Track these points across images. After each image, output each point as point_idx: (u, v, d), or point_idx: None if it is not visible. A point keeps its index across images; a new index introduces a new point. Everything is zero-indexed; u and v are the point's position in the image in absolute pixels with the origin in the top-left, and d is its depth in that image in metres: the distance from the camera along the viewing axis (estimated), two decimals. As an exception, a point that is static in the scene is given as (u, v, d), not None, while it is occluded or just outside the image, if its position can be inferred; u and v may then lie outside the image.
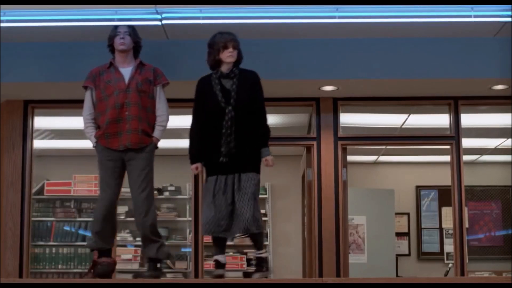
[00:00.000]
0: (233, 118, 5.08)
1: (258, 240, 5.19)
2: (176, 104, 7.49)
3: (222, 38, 5.20)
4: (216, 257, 5.23)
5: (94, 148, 5.49)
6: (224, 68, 5.23)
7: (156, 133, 5.51)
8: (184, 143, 7.93)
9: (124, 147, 5.35)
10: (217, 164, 5.11)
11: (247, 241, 9.59)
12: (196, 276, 7.21)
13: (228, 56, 5.18)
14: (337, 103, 7.34)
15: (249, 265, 9.48)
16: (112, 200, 5.39)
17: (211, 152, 5.15)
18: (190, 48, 6.67)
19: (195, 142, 5.31)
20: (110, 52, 5.64)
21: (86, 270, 8.00)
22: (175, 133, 9.03)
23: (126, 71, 5.49)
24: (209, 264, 9.12)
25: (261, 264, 5.17)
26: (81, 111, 7.66)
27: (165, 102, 5.59)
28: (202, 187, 7.34)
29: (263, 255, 5.20)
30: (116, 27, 5.62)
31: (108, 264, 5.43)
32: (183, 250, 9.24)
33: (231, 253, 9.35)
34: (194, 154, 5.30)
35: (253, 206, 5.03)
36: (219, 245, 5.23)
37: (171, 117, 8.60)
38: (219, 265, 5.21)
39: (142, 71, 5.52)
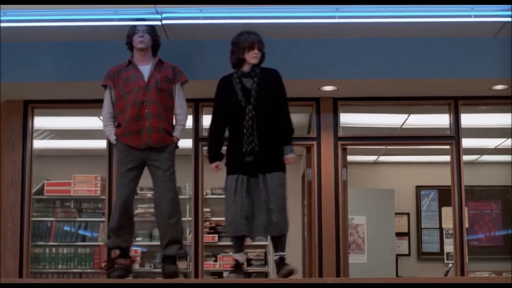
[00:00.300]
0: (253, 117, 5.06)
1: (281, 241, 5.17)
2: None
3: (249, 38, 5.17)
4: (235, 255, 5.23)
5: (114, 146, 5.50)
6: (246, 68, 5.22)
7: (176, 133, 5.50)
8: (184, 143, 7.96)
9: (146, 145, 5.33)
10: (240, 164, 5.09)
11: (247, 241, 9.63)
12: (196, 276, 7.21)
13: (253, 57, 5.17)
14: (337, 103, 7.34)
15: (249, 265, 9.48)
16: (129, 199, 5.41)
17: (233, 151, 5.14)
18: (190, 48, 6.67)
19: (214, 141, 5.31)
20: (128, 50, 5.61)
21: (88, 269, 8.02)
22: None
23: (145, 69, 5.47)
24: (209, 264, 9.15)
25: (283, 264, 5.13)
26: (81, 111, 7.73)
27: (184, 100, 5.58)
28: (202, 187, 7.37)
29: (284, 256, 5.17)
30: (135, 25, 5.60)
31: (126, 266, 5.46)
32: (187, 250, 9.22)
33: (231, 253, 9.34)
34: (214, 153, 5.30)
35: (281, 207, 5.02)
36: (239, 244, 5.22)
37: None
38: (238, 264, 5.20)
39: (161, 69, 5.50)
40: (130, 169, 5.37)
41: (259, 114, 5.08)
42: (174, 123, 5.54)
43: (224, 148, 5.36)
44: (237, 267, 5.20)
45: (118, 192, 5.42)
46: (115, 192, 5.47)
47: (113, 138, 5.47)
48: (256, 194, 5.05)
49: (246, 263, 9.35)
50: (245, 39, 5.18)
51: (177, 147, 5.52)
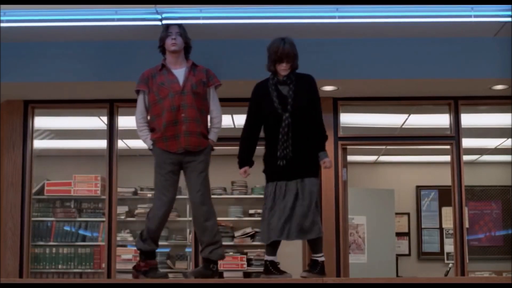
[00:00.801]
0: (290, 124, 5.06)
1: (317, 244, 5.18)
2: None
3: (277, 52, 5.12)
4: (266, 257, 5.21)
5: (150, 151, 5.47)
6: (281, 75, 5.18)
7: (212, 136, 5.47)
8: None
9: (183, 149, 5.31)
10: (275, 169, 5.09)
11: (247, 241, 9.64)
12: (196, 276, 7.18)
13: (282, 69, 5.14)
14: (337, 103, 7.34)
15: (249, 265, 9.48)
16: (170, 205, 5.40)
17: (270, 158, 5.15)
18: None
19: (245, 146, 5.29)
20: (160, 53, 5.57)
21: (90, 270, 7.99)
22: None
23: (179, 73, 5.43)
24: (209, 264, 9.12)
25: (316, 266, 5.15)
26: (81, 111, 7.74)
27: (219, 103, 5.55)
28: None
29: (320, 259, 5.17)
30: (167, 27, 5.55)
31: (157, 266, 5.47)
32: (187, 250, 9.20)
33: (231, 253, 9.34)
34: (244, 158, 5.28)
35: (314, 211, 5.03)
36: (273, 248, 5.22)
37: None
38: (271, 265, 5.19)
39: (196, 72, 5.46)
40: (169, 173, 5.36)
41: (295, 121, 5.08)
42: (208, 126, 5.51)
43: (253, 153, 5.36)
44: (267, 268, 5.21)
45: (160, 196, 5.37)
46: (155, 195, 5.41)
47: (149, 143, 5.44)
48: (291, 199, 5.05)
49: (246, 263, 9.37)
50: (275, 52, 5.13)
51: (213, 149, 5.49)
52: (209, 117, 5.50)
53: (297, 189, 5.05)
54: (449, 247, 10.10)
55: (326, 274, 5.18)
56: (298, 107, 5.09)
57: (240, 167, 5.28)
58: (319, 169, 5.21)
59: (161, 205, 5.36)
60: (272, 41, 5.22)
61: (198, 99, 5.36)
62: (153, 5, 5.95)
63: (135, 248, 9.01)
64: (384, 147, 9.34)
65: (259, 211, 9.82)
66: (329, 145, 7.24)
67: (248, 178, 10.03)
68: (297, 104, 5.09)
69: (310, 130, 5.14)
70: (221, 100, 7.04)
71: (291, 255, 9.48)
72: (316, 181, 5.13)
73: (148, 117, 5.49)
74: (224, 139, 7.69)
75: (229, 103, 7.38)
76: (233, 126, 8.33)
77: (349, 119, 7.63)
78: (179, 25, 5.55)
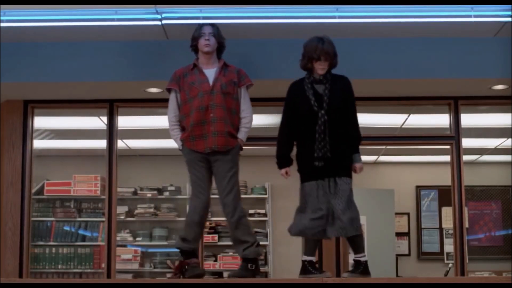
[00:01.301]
0: (326, 122, 5.06)
1: (357, 242, 5.17)
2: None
3: (317, 49, 5.13)
4: (304, 257, 5.21)
5: (180, 150, 5.49)
6: (316, 74, 5.20)
7: (241, 135, 5.47)
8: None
9: (210, 149, 5.32)
10: (312, 169, 5.08)
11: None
12: (196, 276, 7.18)
13: (319, 68, 5.16)
14: (337, 103, 7.33)
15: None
16: (207, 204, 5.40)
17: (305, 157, 5.15)
18: (190, 48, 6.66)
19: (283, 145, 5.28)
20: (193, 52, 5.57)
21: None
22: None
23: (210, 73, 5.43)
24: (209, 264, 9.15)
25: (359, 267, 5.14)
26: (81, 111, 7.74)
27: (249, 103, 5.54)
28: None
29: (362, 259, 5.16)
30: (200, 27, 5.54)
31: (199, 265, 5.45)
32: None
33: (231, 253, 9.35)
34: (283, 158, 5.27)
35: (352, 209, 5.03)
36: (312, 247, 5.22)
37: (167, 118, 8.62)
38: (309, 265, 5.18)
39: (226, 72, 5.47)
40: (202, 170, 5.37)
41: (331, 119, 5.08)
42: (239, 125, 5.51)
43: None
44: (305, 268, 5.20)
45: (197, 194, 5.38)
46: (191, 194, 5.43)
47: (179, 144, 5.46)
48: (328, 198, 5.05)
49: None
50: (314, 49, 5.14)
51: (241, 149, 5.49)
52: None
53: (334, 188, 5.04)
54: (449, 247, 10.09)
55: (370, 274, 5.15)
56: (334, 105, 5.10)
57: (280, 167, 5.28)
58: (351, 170, 5.21)
59: (198, 204, 5.38)
60: (310, 39, 5.24)
61: (228, 99, 5.37)
62: (153, 5, 5.95)
63: (135, 248, 9.10)
64: (384, 147, 9.34)
65: (259, 211, 9.85)
66: (329, 145, 7.26)
67: (248, 178, 10.10)
68: (333, 103, 5.11)
69: (345, 130, 5.15)
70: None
71: (291, 255, 9.51)
72: (350, 181, 5.13)
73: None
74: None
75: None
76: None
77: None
78: (213, 25, 5.56)
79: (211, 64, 5.49)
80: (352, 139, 5.19)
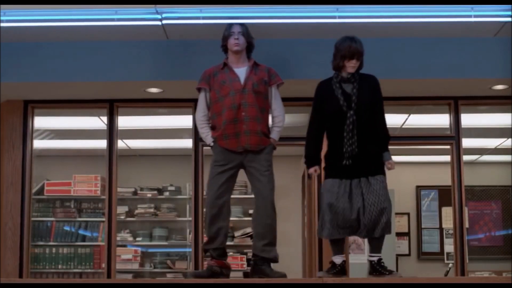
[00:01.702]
0: (355, 122, 5.08)
1: (381, 242, 5.18)
2: (176, 104, 7.52)
3: (350, 49, 5.16)
4: (332, 257, 5.23)
5: (210, 148, 5.47)
6: (345, 73, 5.22)
7: (273, 134, 5.47)
8: (184, 143, 7.97)
9: (243, 148, 5.31)
10: (340, 167, 5.10)
11: (247, 241, 9.63)
12: (196, 276, 7.18)
13: (351, 66, 5.18)
14: (337, 103, 7.33)
15: (249, 265, 9.47)
16: (229, 202, 5.41)
17: (333, 155, 5.16)
18: (190, 48, 6.67)
19: (312, 144, 5.30)
20: (223, 52, 5.57)
21: (87, 270, 7.99)
22: (175, 134, 9.06)
23: (241, 71, 5.43)
24: (209, 264, 9.13)
25: (382, 267, 5.17)
26: (81, 111, 7.74)
27: (281, 102, 5.55)
28: (202, 187, 7.35)
29: (375, 259, 5.17)
30: (230, 26, 5.53)
31: (212, 266, 5.39)
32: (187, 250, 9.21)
33: (231, 253, 9.34)
34: (311, 157, 5.29)
35: (386, 209, 5.03)
36: (338, 246, 5.24)
37: (168, 118, 8.64)
38: (334, 266, 5.21)
39: (257, 71, 5.46)
40: (226, 171, 5.35)
41: (359, 118, 5.10)
42: (270, 125, 5.51)
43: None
44: (332, 267, 5.22)
45: (211, 194, 5.37)
46: (211, 194, 5.40)
47: (210, 140, 5.43)
48: (356, 197, 5.06)
49: (246, 263, 9.36)
50: (347, 48, 5.17)
51: (275, 148, 5.49)
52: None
53: (366, 188, 5.05)
54: (449, 247, 10.08)
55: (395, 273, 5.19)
56: (362, 105, 5.12)
57: (309, 166, 5.29)
58: (384, 167, 5.21)
59: (219, 205, 5.36)
60: (342, 39, 5.26)
61: (259, 98, 5.37)
62: (153, 5, 5.95)
63: (135, 248, 9.10)
64: (384, 147, 9.32)
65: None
66: (329, 145, 7.26)
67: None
68: (361, 102, 5.12)
69: (374, 129, 5.17)
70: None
71: (291, 255, 9.52)
72: (383, 178, 5.14)
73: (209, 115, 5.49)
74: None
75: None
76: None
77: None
78: (242, 24, 5.55)
79: (241, 63, 5.48)
80: (381, 138, 5.21)
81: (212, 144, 5.42)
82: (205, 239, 5.57)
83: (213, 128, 5.45)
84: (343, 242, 5.32)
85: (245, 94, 5.33)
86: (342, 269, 5.23)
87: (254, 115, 5.32)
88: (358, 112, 5.10)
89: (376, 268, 5.14)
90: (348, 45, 5.17)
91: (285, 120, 5.56)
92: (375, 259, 5.17)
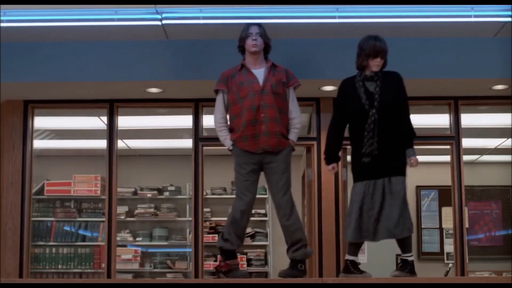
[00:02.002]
0: (376, 121, 5.08)
1: (407, 242, 5.19)
2: (176, 104, 7.52)
3: (375, 47, 5.17)
4: (347, 256, 5.23)
5: (230, 151, 5.46)
6: (368, 71, 5.23)
7: (292, 136, 5.47)
8: (184, 143, 7.97)
9: (262, 150, 5.31)
10: (361, 167, 5.11)
11: (247, 241, 9.62)
12: (196, 276, 7.20)
13: (375, 65, 5.19)
14: (337, 103, 7.33)
15: (249, 265, 9.48)
16: (251, 204, 5.41)
17: (355, 155, 5.18)
18: (190, 48, 6.67)
19: (332, 142, 5.32)
20: (240, 52, 5.56)
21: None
22: (175, 134, 9.06)
23: (259, 73, 5.42)
24: (209, 264, 9.14)
25: (406, 266, 5.17)
26: (81, 111, 7.74)
27: (297, 104, 5.55)
28: (202, 187, 7.35)
29: (409, 258, 5.19)
30: (247, 27, 5.53)
31: (238, 266, 5.43)
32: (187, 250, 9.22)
33: (231, 253, 9.33)
34: (331, 154, 5.31)
35: (405, 210, 5.04)
36: (356, 248, 5.24)
37: (168, 118, 8.63)
38: (351, 265, 5.21)
39: (275, 72, 5.46)
40: (250, 172, 5.35)
41: (382, 117, 5.10)
42: (288, 126, 5.50)
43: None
44: (347, 267, 5.23)
45: (240, 196, 5.38)
46: (236, 195, 5.44)
47: (229, 144, 5.43)
48: (379, 198, 5.06)
49: (246, 263, 9.36)
50: (371, 47, 5.18)
51: (293, 150, 5.49)
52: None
53: (385, 188, 5.06)
54: (449, 247, 10.07)
55: (416, 274, 5.19)
56: (385, 103, 5.12)
57: (328, 163, 5.31)
58: (406, 167, 5.21)
59: (241, 205, 5.38)
60: (365, 38, 5.28)
61: (278, 99, 5.36)
62: (153, 5, 5.95)
63: (135, 248, 9.10)
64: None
65: (259, 211, 9.83)
66: (329, 145, 7.25)
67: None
68: (384, 101, 5.13)
69: (397, 127, 5.16)
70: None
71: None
72: (403, 180, 5.13)
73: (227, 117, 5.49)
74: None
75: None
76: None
77: (349, 119, 7.61)
78: (259, 25, 5.54)
79: (258, 64, 5.47)
80: (405, 135, 5.21)
81: (231, 147, 5.42)
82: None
83: (231, 130, 5.45)
84: (360, 245, 5.29)
85: (264, 96, 5.32)
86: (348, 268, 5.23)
87: (273, 116, 5.31)
88: (380, 111, 5.10)
89: (411, 268, 5.17)
90: (373, 44, 5.19)
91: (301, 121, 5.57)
92: (410, 258, 5.20)
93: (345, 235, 5.25)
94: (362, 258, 9.54)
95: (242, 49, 5.53)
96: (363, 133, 5.10)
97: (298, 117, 5.52)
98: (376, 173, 5.09)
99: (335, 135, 5.31)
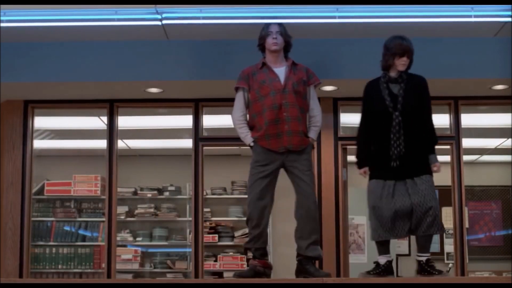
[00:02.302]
0: (401, 123, 5.07)
1: (428, 242, 5.16)
2: (176, 104, 7.52)
3: (401, 46, 5.17)
4: (378, 258, 5.22)
5: (250, 148, 5.43)
6: (393, 73, 5.22)
7: (312, 134, 5.46)
8: (184, 143, 7.97)
9: (285, 149, 5.29)
10: (386, 169, 5.10)
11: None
12: (196, 276, 7.20)
13: (401, 64, 5.18)
14: (337, 103, 7.34)
15: (249, 265, 9.46)
16: (271, 202, 5.41)
17: (379, 156, 5.16)
18: (190, 48, 6.67)
19: (363, 146, 5.31)
20: (260, 51, 5.54)
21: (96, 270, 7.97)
22: (175, 134, 9.06)
23: (280, 71, 5.41)
24: (209, 264, 9.14)
25: (432, 267, 5.14)
26: (81, 111, 7.74)
27: (318, 102, 5.56)
28: (202, 187, 7.36)
29: (424, 258, 5.15)
30: (267, 26, 5.51)
31: (255, 266, 5.40)
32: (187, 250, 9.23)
33: (231, 253, 9.35)
34: (363, 158, 5.29)
35: (432, 208, 5.02)
36: (384, 246, 5.22)
37: (168, 118, 8.63)
38: (377, 266, 5.20)
39: (296, 71, 5.45)
40: (267, 171, 5.32)
41: (405, 120, 5.09)
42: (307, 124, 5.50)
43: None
44: (376, 267, 5.20)
45: (252, 194, 5.34)
46: (252, 195, 5.36)
47: (249, 141, 5.40)
48: (401, 198, 5.04)
49: (246, 263, 9.35)
50: (398, 46, 5.18)
51: (313, 148, 5.49)
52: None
53: (413, 188, 5.04)
54: (449, 247, 10.08)
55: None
56: (408, 106, 5.11)
57: (360, 167, 5.29)
58: (429, 167, 5.18)
59: (261, 205, 5.34)
60: (391, 37, 5.27)
61: (299, 98, 5.36)
62: (153, 5, 5.95)
63: (135, 248, 9.09)
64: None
65: (260, 211, 9.83)
66: (329, 145, 7.27)
67: (248, 178, 10.02)
68: (407, 103, 5.11)
69: (420, 130, 5.15)
70: (225, 100, 7.05)
71: (291, 255, 9.50)
72: (431, 178, 5.12)
73: (247, 115, 5.48)
74: (223, 139, 7.72)
75: (229, 103, 7.40)
76: (233, 126, 8.32)
77: (349, 119, 7.62)
78: (280, 24, 5.53)
79: (279, 63, 5.46)
80: (427, 140, 5.19)
81: (252, 144, 5.40)
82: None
83: (251, 127, 5.44)
84: (388, 243, 5.25)
85: (285, 94, 5.31)
86: (386, 269, 5.18)
87: (295, 115, 5.31)
88: (404, 113, 5.09)
89: (425, 268, 5.11)
90: (399, 43, 5.18)
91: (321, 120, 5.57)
92: (423, 259, 5.13)
93: (376, 236, 5.16)
94: (362, 258, 9.61)
95: (262, 48, 5.52)
96: (388, 135, 5.08)
97: (319, 115, 5.52)
98: (400, 174, 5.07)
99: (365, 138, 5.28)
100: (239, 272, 5.42)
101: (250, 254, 5.51)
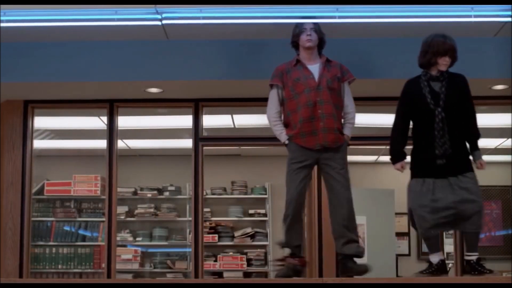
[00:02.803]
0: (444, 119, 5.04)
1: (475, 240, 5.12)
2: (176, 104, 7.52)
3: (444, 45, 5.13)
4: (430, 256, 5.24)
5: (285, 146, 5.43)
6: (434, 71, 5.18)
7: (346, 131, 5.46)
8: (184, 143, 7.97)
9: (321, 146, 5.29)
10: (430, 167, 5.06)
11: (247, 241, 9.64)
12: (196, 276, 7.20)
13: (444, 64, 5.15)
14: (337, 103, 7.33)
15: (249, 265, 9.48)
16: (304, 197, 5.41)
17: (421, 154, 5.12)
18: (190, 48, 6.67)
19: (399, 140, 5.27)
20: (293, 48, 5.54)
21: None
22: (175, 134, 9.06)
23: (314, 68, 5.40)
24: (209, 264, 9.16)
25: (480, 265, 5.13)
26: (81, 111, 7.74)
27: (352, 98, 5.54)
28: (202, 187, 7.35)
29: (474, 258, 5.13)
30: (301, 23, 5.52)
31: (294, 265, 5.39)
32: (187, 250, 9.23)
33: (231, 253, 9.36)
34: (399, 152, 5.27)
35: (479, 205, 5.00)
36: (433, 244, 5.23)
37: (168, 118, 8.63)
38: (430, 265, 5.21)
39: (330, 68, 5.44)
40: (303, 168, 5.32)
41: (448, 116, 5.06)
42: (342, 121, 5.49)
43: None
44: (429, 267, 5.21)
45: (292, 191, 5.33)
46: (288, 192, 5.37)
47: (284, 138, 5.40)
48: (444, 194, 5.00)
49: (246, 263, 9.36)
50: (441, 45, 5.14)
51: (349, 145, 5.48)
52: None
53: (457, 186, 5.00)
54: (449, 247, 10.08)
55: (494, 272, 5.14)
56: (450, 103, 5.08)
57: (395, 162, 5.27)
58: (472, 164, 5.16)
59: (294, 201, 5.33)
60: (432, 35, 5.22)
61: (333, 95, 5.35)
62: (153, 5, 5.94)
63: (135, 248, 9.10)
64: (384, 147, 9.31)
65: (259, 211, 9.85)
66: (329, 145, 7.25)
67: (248, 178, 10.09)
68: (450, 101, 5.09)
69: (463, 127, 5.13)
70: (225, 100, 7.05)
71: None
72: (473, 175, 5.08)
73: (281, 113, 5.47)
74: (223, 139, 7.72)
75: (229, 103, 7.40)
76: (232, 126, 8.33)
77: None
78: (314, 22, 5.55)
79: (313, 60, 5.45)
80: (472, 138, 5.18)
81: (287, 142, 5.40)
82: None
83: (286, 125, 5.43)
84: (437, 240, 5.23)
85: (320, 92, 5.30)
86: (440, 268, 5.17)
87: (330, 112, 5.30)
88: (446, 110, 5.06)
89: (476, 267, 5.09)
90: (442, 41, 5.14)
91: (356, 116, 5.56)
92: (473, 258, 5.11)
93: (425, 232, 5.14)
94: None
95: (296, 45, 5.52)
96: (431, 133, 5.04)
97: (353, 112, 5.52)
98: (444, 171, 5.02)
99: (400, 133, 5.24)
100: (280, 272, 5.36)
101: (284, 252, 5.52)
